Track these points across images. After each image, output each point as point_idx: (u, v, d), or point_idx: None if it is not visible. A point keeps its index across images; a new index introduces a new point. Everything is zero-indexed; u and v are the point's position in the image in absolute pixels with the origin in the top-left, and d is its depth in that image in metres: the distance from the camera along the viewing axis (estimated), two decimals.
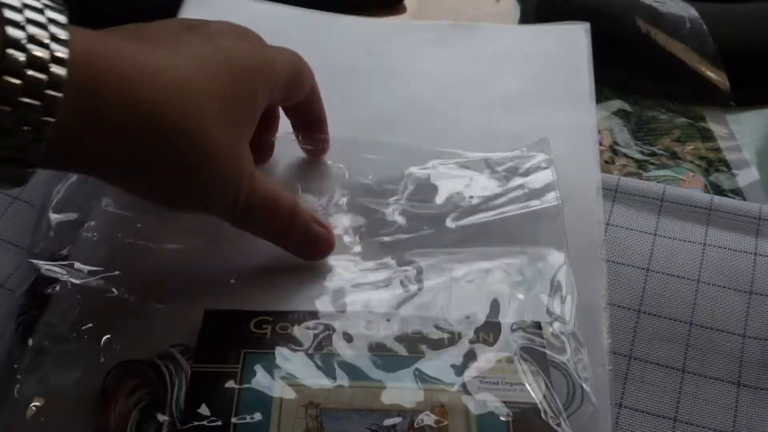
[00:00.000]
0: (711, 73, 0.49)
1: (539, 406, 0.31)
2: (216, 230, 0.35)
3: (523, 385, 0.32)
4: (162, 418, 0.30)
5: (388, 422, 0.30)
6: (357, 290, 0.36)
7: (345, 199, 0.39)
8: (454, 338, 0.33)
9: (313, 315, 0.34)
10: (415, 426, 0.30)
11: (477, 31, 0.51)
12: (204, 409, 0.30)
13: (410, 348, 0.33)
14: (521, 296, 0.35)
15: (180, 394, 0.31)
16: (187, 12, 0.50)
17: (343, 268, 0.37)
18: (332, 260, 0.37)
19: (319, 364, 0.32)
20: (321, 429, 0.30)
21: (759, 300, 0.36)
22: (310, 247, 0.36)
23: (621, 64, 0.50)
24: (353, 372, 0.32)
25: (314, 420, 0.30)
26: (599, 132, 0.47)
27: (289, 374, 0.32)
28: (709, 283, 0.37)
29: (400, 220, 0.39)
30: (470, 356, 0.33)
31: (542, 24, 0.51)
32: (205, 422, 0.30)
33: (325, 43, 0.50)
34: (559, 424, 0.30)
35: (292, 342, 0.33)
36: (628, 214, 0.40)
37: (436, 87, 0.47)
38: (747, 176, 0.46)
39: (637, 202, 0.41)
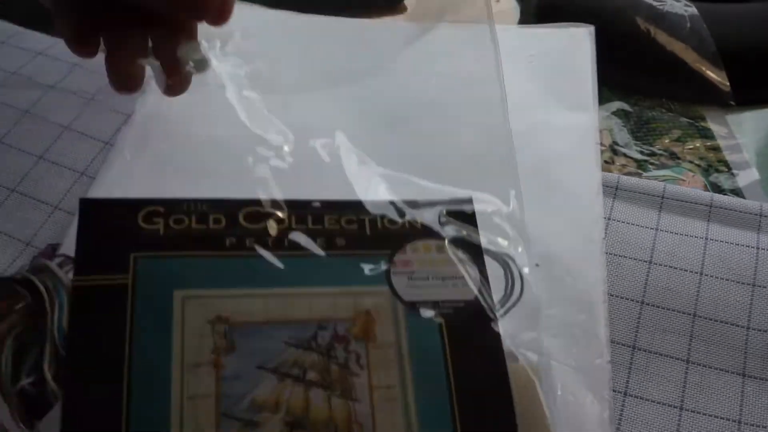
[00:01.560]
0: (711, 73, 0.49)
1: (474, 302, 0.28)
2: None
3: (456, 279, 0.28)
4: (42, 346, 0.26)
5: (308, 335, 0.27)
6: (265, 167, 0.32)
7: None
8: (376, 226, 0.29)
9: (217, 205, 0.29)
10: (339, 335, 0.27)
11: (479, 32, 0.51)
12: (90, 333, 0.26)
13: (327, 244, 0.29)
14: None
15: (61, 316, 0.27)
16: None
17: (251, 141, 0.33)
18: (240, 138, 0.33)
19: (225, 268, 0.28)
20: (232, 347, 0.26)
21: (762, 292, 0.36)
22: None
23: (621, 64, 0.50)
24: (265, 276, 0.28)
25: (223, 337, 0.26)
26: (599, 132, 0.47)
27: (190, 283, 0.27)
28: (712, 276, 0.36)
29: None
30: (395, 246, 0.29)
31: (546, 25, 0.51)
32: (92, 350, 0.25)
33: (326, 46, 0.50)
34: (495, 322, 0.27)
35: (191, 240, 0.28)
36: (629, 209, 0.40)
37: (437, 87, 0.47)
38: (747, 176, 0.46)
39: (638, 200, 0.41)
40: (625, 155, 0.47)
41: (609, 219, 0.39)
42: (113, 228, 0.28)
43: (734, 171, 0.46)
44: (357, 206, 0.30)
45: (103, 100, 0.46)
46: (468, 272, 0.29)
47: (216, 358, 0.26)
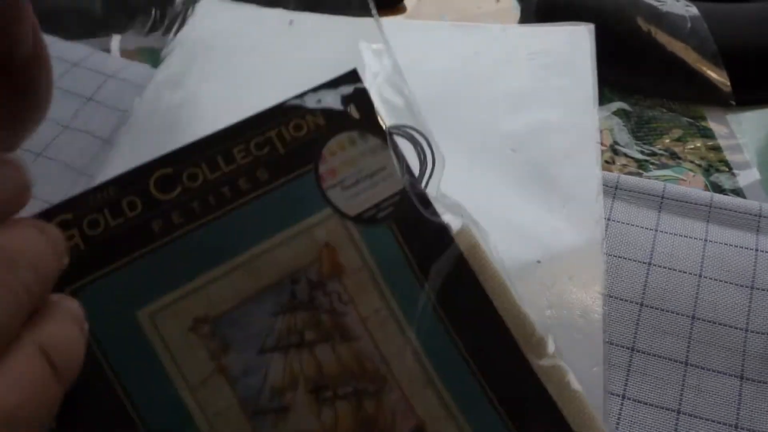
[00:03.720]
0: (712, 73, 0.49)
1: (407, 191, 0.27)
2: None
3: (381, 171, 0.28)
4: None
5: (286, 295, 0.26)
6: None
7: None
8: (284, 140, 0.28)
9: (123, 183, 0.26)
10: (313, 282, 0.26)
11: (480, 30, 0.51)
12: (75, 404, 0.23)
13: (253, 184, 0.27)
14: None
15: None
16: (195, 21, 0.50)
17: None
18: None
19: (170, 260, 0.25)
20: (226, 345, 0.25)
21: (761, 295, 0.36)
22: None
23: (621, 64, 0.50)
24: (215, 252, 0.26)
25: (212, 339, 0.25)
26: (600, 132, 0.47)
27: (146, 295, 0.25)
28: (711, 278, 0.36)
29: None
30: (313, 156, 0.27)
31: (546, 24, 0.51)
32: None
33: (325, 42, 0.50)
34: (430, 204, 0.27)
35: (117, 243, 0.25)
36: (629, 210, 0.40)
37: (438, 86, 0.47)
38: (748, 176, 0.46)
39: (638, 200, 0.41)
40: (625, 155, 0.47)
41: (609, 219, 0.39)
42: None
43: (735, 171, 0.46)
44: (255, 123, 0.28)
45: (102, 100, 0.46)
46: (385, 159, 0.28)
47: (218, 364, 0.25)
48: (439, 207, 0.28)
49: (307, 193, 0.27)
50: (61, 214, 0.25)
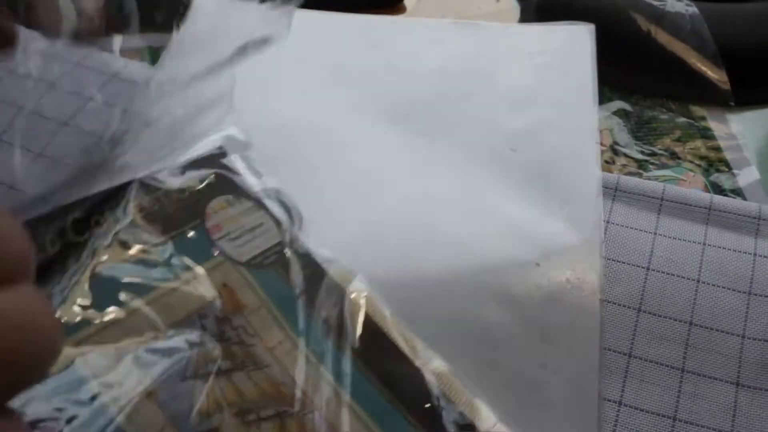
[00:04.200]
0: (712, 73, 0.49)
1: (282, 242, 0.32)
2: None
3: (257, 227, 0.32)
4: None
5: (197, 329, 0.28)
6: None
7: None
8: (172, 200, 0.32)
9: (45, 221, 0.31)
10: (219, 318, 0.29)
11: (480, 29, 0.51)
12: None
13: (150, 233, 0.31)
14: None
15: None
16: (194, 18, 0.50)
17: None
18: None
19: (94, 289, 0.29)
20: (172, 422, 0.27)
21: (758, 301, 0.36)
22: None
23: (621, 64, 0.50)
24: (127, 288, 0.29)
25: (156, 407, 0.27)
26: (599, 132, 0.47)
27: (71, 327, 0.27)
28: (709, 284, 0.37)
29: None
30: (197, 214, 0.32)
31: (546, 23, 0.51)
32: None
33: (326, 40, 0.50)
34: (307, 255, 0.32)
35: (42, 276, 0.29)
36: (628, 212, 0.40)
37: (438, 84, 0.47)
38: (747, 176, 0.46)
39: (637, 201, 0.41)
40: (625, 155, 0.47)
41: (608, 222, 0.40)
42: None
43: (735, 171, 0.46)
44: (146, 186, 0.33)
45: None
46: (262, 219, 0.33)
47: (150, 398, 0.27)
48: (317, 251, 0.33)
49: (200, 243, 0.31)
50: None
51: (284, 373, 0.29)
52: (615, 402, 0.33)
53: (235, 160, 0.35)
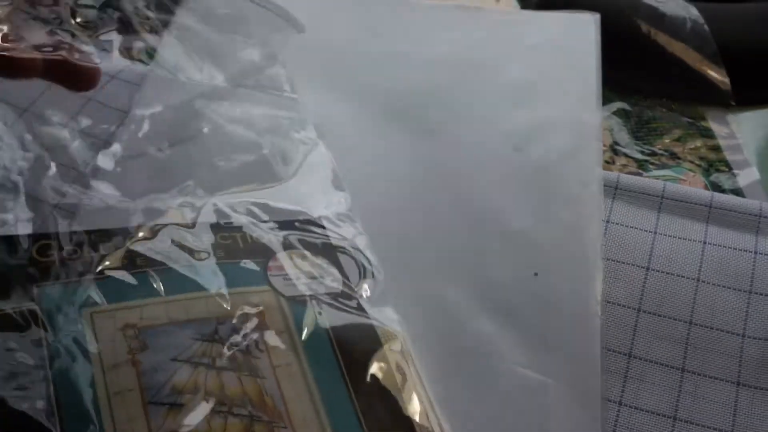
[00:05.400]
0: (712, 73, 0.49)
1: (341, 291, 0.33)
2: None
3: (322, 277, 0.34)
4: None
5: (209, 330, 0.31)
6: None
7: None
8: (246, 241, 0.35)
9: (102, 234, 0.33)
10: (237, 328, 0.31)
11: (484, 15, 0.51)
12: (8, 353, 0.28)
13: (216, 252, 0.34)
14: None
15: None
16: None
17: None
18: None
19: (122, 285, 0.31)
20: (145, 346, 0.30)
21: (758, 300, 0.36)
22: None
23: (621, 64, 0.50)
24: (160, 287, 0.32)
25: (135, 339, 0.30)
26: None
27: (94, 302, 0.31)
28: (709, 283, 0.37)
29: None
30: (266, 256, 0.34)
31: (551, 11, 0.51)
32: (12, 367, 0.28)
33: (329, 24, 0.49)
34: (360, 307, 0.33)
35: (86, 266, 0.32)
36: (628, 211, 0.40)
37: (441, 71, 0.47)
38: (747, 176, 0.46)
39: (637, 199, 0.41)
40: (625, 155, 0.47)
41: (608, 222, 0.39)
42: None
43: (735, 171, 0.46)
44: (222, 227, 0.35)
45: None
46: (329, 271, 0.34)
47: (132, 358, 0.29)
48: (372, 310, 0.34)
49: (254, 273, 0.33)
50: (46, 240, 0.33)
51: (276, 389, 0.30)
52: (615, 402, 0.33)
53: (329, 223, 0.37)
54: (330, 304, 0.33)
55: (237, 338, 0.30)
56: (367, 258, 0.35)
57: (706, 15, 0.49)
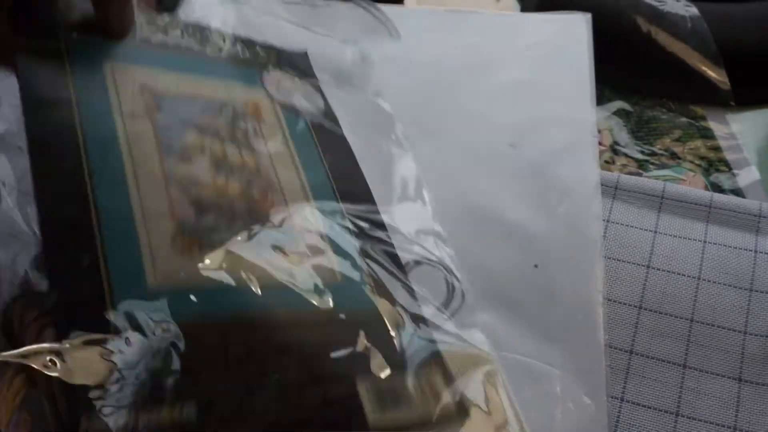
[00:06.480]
0: (712, 73, 0.49)
1: (324, 109, 0.40)
2: None
3: (309, 93, 0.40)
4: None
5: (214, 109, 0.35)
6: None
7: None
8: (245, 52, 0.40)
9: None
10: (237, 112, 0.35)
11: (477, 18, 0.51)
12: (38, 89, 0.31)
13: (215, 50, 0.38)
14: None
15: None
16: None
17: None
18: None
19: (144, 53, 0.35)
20: (160, 108, 0.33)
21: (759, 297, 0.36)
22: None
23: (621, 64, 0.50)
24: (173, 64, 0.36)
25: (152, 100, 0.33)
26: (599, 132, 0.47)
27: (117, 58, 0.34)
28: (710, 281, 0.37)
29: None
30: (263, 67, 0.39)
31: (543, 12, 0.51)
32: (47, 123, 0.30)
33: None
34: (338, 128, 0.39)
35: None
36: (629, 211, 0.40)
37: (435, 74, 0.47)
38: (747, 176, 0.46)
39: (637, 200, 0.41)
40: (625, 155, 0.47)
41: (608, 221, 0.40)
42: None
43: (735, 171, 0.46)
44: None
45: None
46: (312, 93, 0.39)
47: (149, 114, 0.33)
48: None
49: (251, 76, 0.38)
50: None
51: (269, 165, 0.35)
52: (617, 398, 0.33)
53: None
54: (317, 116, 0.39)
55: (239, 122, 0.35)
56: (454, 277, 0.36)
57: (706, 15, 0.49)
